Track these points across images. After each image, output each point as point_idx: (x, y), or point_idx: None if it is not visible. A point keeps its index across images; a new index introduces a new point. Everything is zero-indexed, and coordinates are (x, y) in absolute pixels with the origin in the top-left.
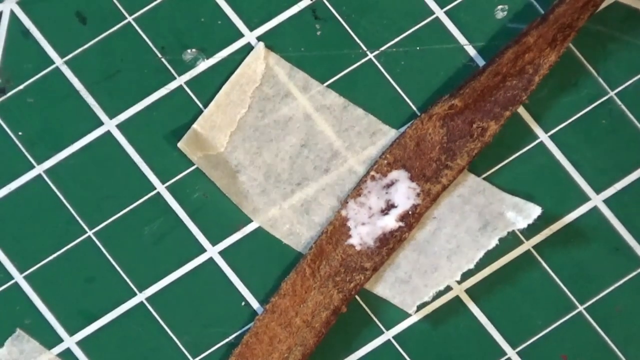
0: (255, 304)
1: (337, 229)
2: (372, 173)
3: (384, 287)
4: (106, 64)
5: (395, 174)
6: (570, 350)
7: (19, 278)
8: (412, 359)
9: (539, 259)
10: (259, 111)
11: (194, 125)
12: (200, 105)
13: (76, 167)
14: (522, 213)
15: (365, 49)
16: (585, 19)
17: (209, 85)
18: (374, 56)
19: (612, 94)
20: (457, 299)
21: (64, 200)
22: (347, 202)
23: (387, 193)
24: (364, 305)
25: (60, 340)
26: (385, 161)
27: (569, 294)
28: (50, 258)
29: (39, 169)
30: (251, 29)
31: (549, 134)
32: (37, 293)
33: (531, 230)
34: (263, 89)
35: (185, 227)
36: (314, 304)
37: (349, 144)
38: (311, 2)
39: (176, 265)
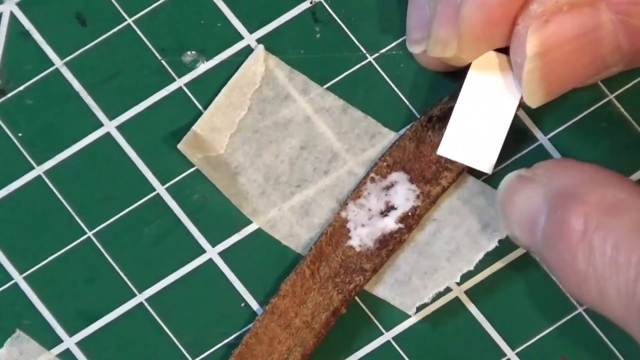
0: (255, 305)
1: (337, 230)
2: (372, 175)
3: (384, 288)
4: (106, 65)
5: (394, 176)
6: (570, 350)
7: (18, 278)
8: (411, 359)
9: (539, 260)
10: (259, 113)
11: (194, 127)
12: (200, 107)
13: (76, 168)
14: None
15: (364, 51)
16: None
17: (209, 87)
18: (374, 59)
19: (611, 96)
20: (456, 300)
21: (64, 201)
22: (347, 204)
23: (386, 195)
24: (363, 306)
25: (60, 341)
26: (385, 163)
27: (568, 294)
28: (50, 258)
29: (38, 170)
30: (251, 31)
31: (549, 136)
32: (37, 293)
33: None
34: (263, 91)
35: (185, 228)
36: (314, 305)
37: (349, 146)
38: (311, 4)
39: (176, 266)
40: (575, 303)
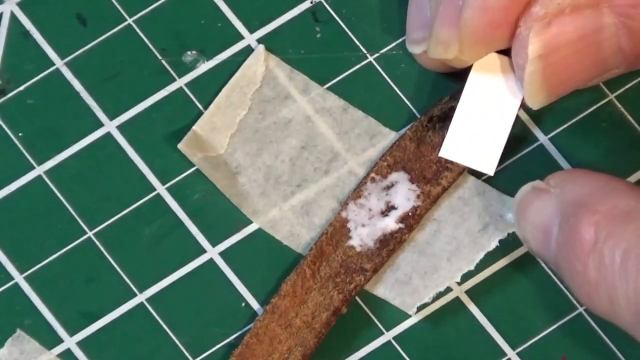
0: (255, 305)
1: (337, 230)
2: (372, 175)
3: (384, 288)
4: (106, 65)
5: (395, 176)
6: (570, 351)
7: (19, 278)
8: (412, 359)
9: (539, 260)
10: (259, 113)
11: (194, 127)
12: (201, 107)
13: (76, 168)
14: None
15: (365, 51)
16: None
17: (209, 87)
18: (374, 59)
19: (611, 96)
20: (457, 300)
21: (64, 201)
22: (347, 204)
23: (387, 195)
24: (364, 306)
25: (61, 341)
26: (385, 163)
27: (569, 294)
28: (51, 258)
29: (39, 170)
30: (251, 31)
31: (549, 136)
32: (38, 293)
33: None
34: (263, 91)
35: (185, 228)
36: (314, 305)
37: (349, 146)
38: (311, 4)
39: (176, 266)
40: (575, 303)
